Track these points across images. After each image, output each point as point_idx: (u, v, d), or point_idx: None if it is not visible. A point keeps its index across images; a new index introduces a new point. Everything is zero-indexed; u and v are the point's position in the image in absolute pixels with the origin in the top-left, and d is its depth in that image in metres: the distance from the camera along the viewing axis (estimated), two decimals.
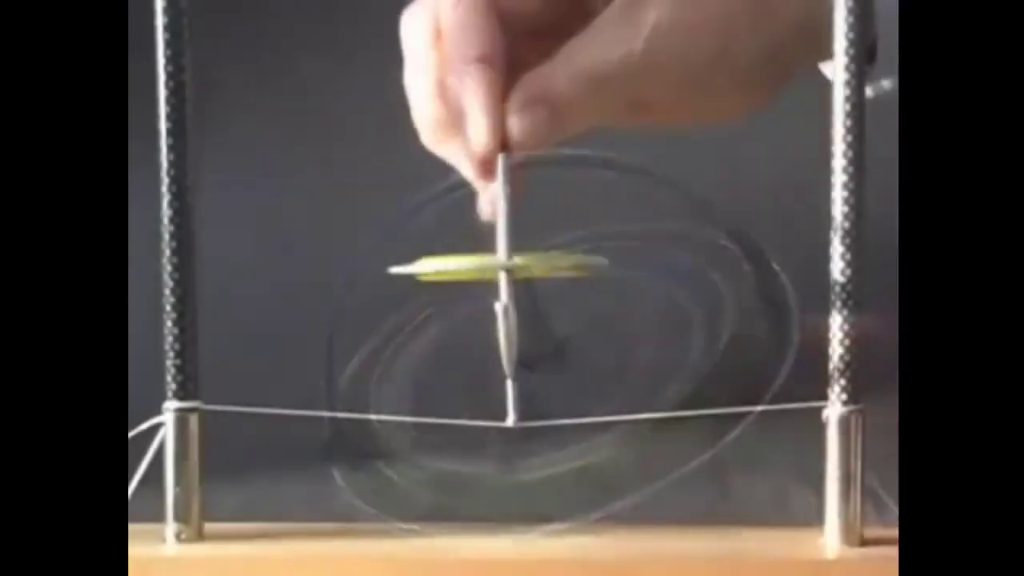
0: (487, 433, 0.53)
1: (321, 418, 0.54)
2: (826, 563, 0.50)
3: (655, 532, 0.52)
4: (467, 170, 0.55)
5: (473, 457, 0.55)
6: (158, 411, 0.51)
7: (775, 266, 0.55)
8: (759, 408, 0.54)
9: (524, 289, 0.52)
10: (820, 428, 0.51)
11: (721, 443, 0.54)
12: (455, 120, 0.54)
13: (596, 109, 0.55)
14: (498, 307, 0.51)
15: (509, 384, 0.52)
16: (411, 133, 0.57)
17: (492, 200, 0.53)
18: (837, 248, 0.50)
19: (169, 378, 0.51)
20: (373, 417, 0.55)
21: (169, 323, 0.51)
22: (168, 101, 0.50)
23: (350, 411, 0.55)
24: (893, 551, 0.49)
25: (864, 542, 0.50)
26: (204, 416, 0.51)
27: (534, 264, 0.52)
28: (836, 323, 0.50)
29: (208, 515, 0.52)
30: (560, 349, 0.59)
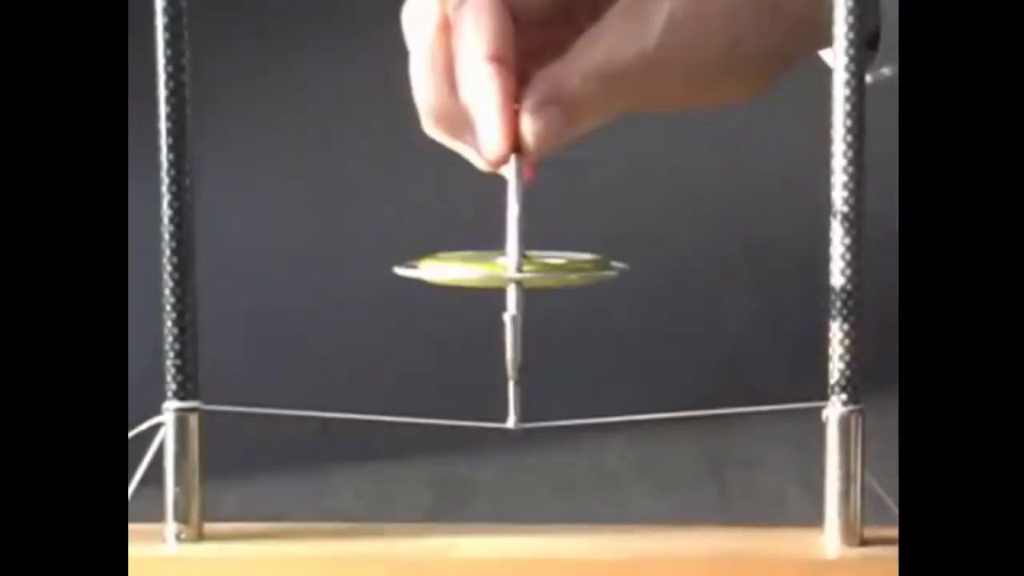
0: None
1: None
2: (826, 563, 0.50)
3: (655, 532, 0.52)
4: (476, 160, 0.54)
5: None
6: (158, 411, 0.51)
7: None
8: (759, 408, 0.54)
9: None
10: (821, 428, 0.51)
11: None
12: (467, 117, 0.53)
13: (610, 106, 0.55)
14: (507, 318, 0.51)
15: (511, 386, 0.52)
16: (411, 131, 0.57)
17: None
18: (837, 248, 0.50)
19: (169, 378, 0.51)
20: (373, 417, 0.55)
21: (169, 323, 0.51)
22: (168, 101, 0.50)
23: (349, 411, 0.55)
24: (893, 551, 0.49)
25: (864, 542, 0.50)
26: (204, 416, 0.51)
27: (544, 278, 0.52)
28: (836, 323, 0.50)
29: (208, 515, 0.52)
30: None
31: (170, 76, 0.50)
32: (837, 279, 0.50)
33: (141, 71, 0.51)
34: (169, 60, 0.50)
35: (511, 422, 0.52)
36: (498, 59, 0.53)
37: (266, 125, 2.30)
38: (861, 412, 0.50)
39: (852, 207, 0.49)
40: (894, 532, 0.49)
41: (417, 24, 0.55)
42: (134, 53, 0.52)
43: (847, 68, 0.49)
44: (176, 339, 0.51)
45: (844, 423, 0.50)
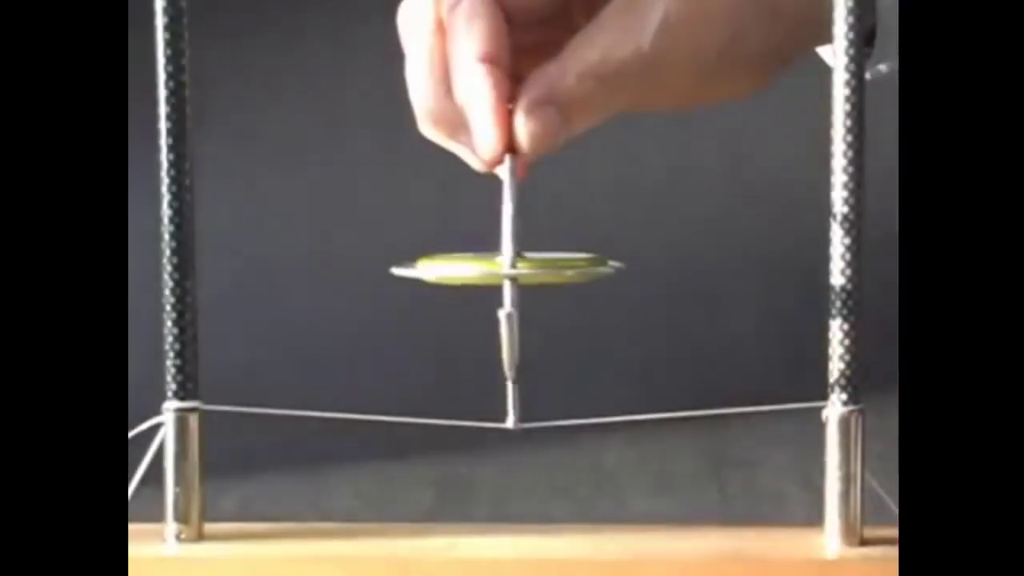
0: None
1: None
2: (826, 563, 0.50)
3: (655, 532, 0.52)
4: (472, 160, 0.55)
5: None
6: (158, 411, 0.51)
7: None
8: (759, 408, 0.54)
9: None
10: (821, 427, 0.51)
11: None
12: (462, 118, 0.54)
13: (605, 106, 0.55)
14: (502, 314, 0.51)
15: (509, 386, 0.52)
16: (411, 132, 0.57)
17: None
18: (837, 248, 0.50)
19: (169, 378, 0.51)
20: (373, 417, 0.55)
21: (169, 323, 0.51)
22: (168, 101, 0.50)
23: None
24: (893, 551, 0.49)
25: (864, 542, 0.50)
26: (204, 416, 0.51)
27: (539, 274, 0.52)
28: (836, 323, 0.50)
29: (208, 515, 0.52)
30: None
31: (170, 76, 0.50)
32: (837, 279, 0.50)
33: (141, 71, 0.51)
34: (169, 60, 0.50)
35: (510, 422, 0.52)
36: (492, 60, 0.53)
37: (266, 125, 2.30)
38: (861, 412, 0.50)
39: (852, 207, 0.49)
40: (894, 532, 0.49)
41: (412, 26, 0.55)
42: (134, 53, 0.52)
43: (847, 68, 0.49)
44: (176, 339, 0.51)
45: (844, 423, 0.50)
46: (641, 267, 0.60)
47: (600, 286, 0.57)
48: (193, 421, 0.51)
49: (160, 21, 0.50)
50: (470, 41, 0.53)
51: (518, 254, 0.51)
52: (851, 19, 0.49)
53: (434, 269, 0.53)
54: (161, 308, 0.51)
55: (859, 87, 0.49)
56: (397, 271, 0.53)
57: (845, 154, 0.49)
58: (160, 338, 0.51)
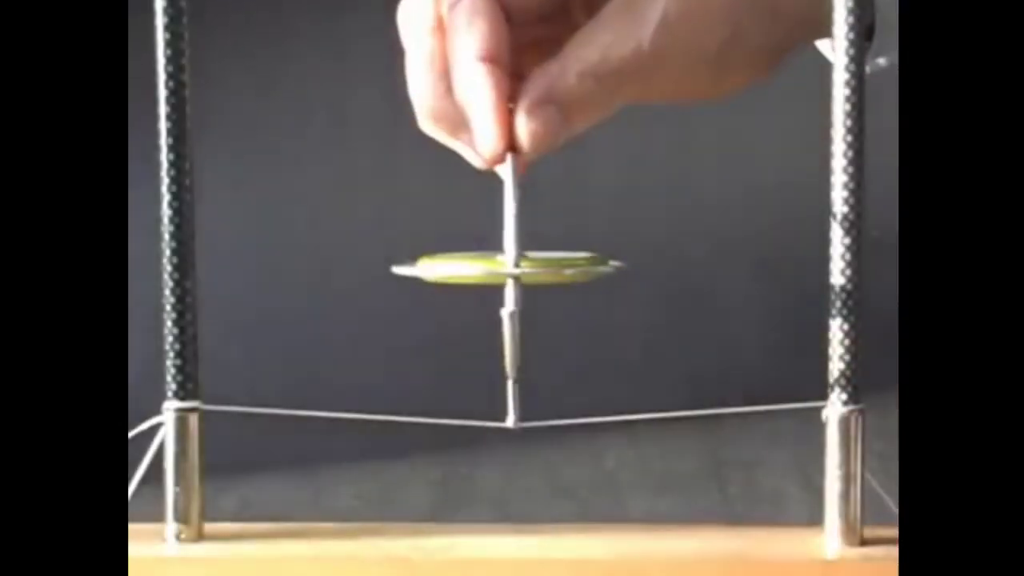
0: None
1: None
2: (826, 563, 0.50)
3: (655, 532, 0.52)
4: (472, 158, 0.55)
5: None
6: (158, 411, 0.51)
7: None
8: (759, 408, 0.54)
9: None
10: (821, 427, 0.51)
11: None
12: (463, 116, 0.54)
13: (606, 105, 0.55)
14: (504, 313, 0.51)
15: (510, 385, 0.52)
16: (411, 132, 0.57)
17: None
18: (837, 248, 0.50)
19: (169, 378, 0.51)
20: (373, 417, 0.55)
21: (169, 323, 0.51)
22: (168, 101, 0.50)
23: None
24: (893, 551, 0.49)
25: (864, 542, 0.50)
26: (204, 416, 0.51)
27: (542, 273, 0.52)
28: (836, 323, 0.50)
29: (208, 515, 0.52)
30: None
31: (170, 76, 0.50)
32: (837, 279, 0.50)
33: (141, 71, 0.51)
34: (169, 60, 0.50)
35: (510, 421, 0.52)
36: (492, 59, 0.53)
37: (266, 125, 2.30)
38: (861, 412, 0.50)
39: (852, 207, 0.49)
40: (894, 532, 0.49)
41: (412, 24, 0.55)
42: (134, 53, 0.52)
43: (847, 68, 0.49)
44: (176, 339, 0.51)
45: (844, 423, 0.50)
46: (641, 267, 0.60)
47: (600, 286, 0.57)
48: (193, 421, 0.51)
49: (160, 21, 0.50)
50: (470, 40, 0.53)
51: (519, 253, 0.52)
52: (851, 19, 0.49)
53: (435, 268, 0.53)
54: (161, 308, 0.51)
55: (859, 86, 0.49)
56: (398, 270, 0.53)
57: (845, 154, 0.49)
58: (160, 338, 0.51)
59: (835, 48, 0.49)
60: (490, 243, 0.53)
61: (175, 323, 0.51)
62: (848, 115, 0.49)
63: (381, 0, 0.62)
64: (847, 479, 0.50)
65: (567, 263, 0.53)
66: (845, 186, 0.49)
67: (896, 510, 0.47)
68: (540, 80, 0.53)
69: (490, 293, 0.52)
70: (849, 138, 0.49)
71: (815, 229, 0.56)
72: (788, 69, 0.61)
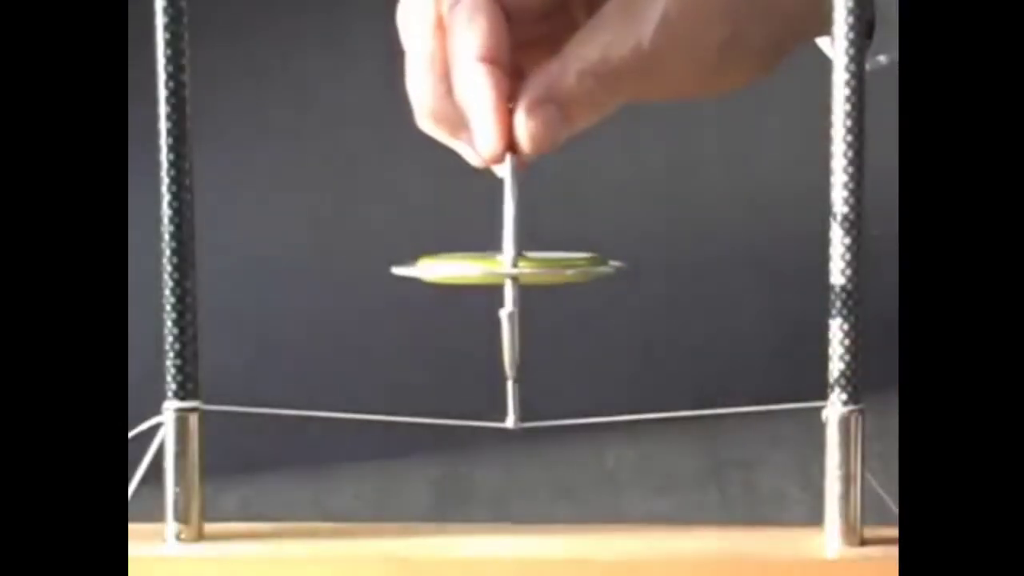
0: None
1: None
2: (826, 563, 0.50)
3: (655, 532, 0.52)
4: (471, 156, 0.55)
5: None
6: (158, 411, 0.51)
7: None
8: (759, 408, 0.54)
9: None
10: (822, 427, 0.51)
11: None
12: (463, 116, 0.53)
13: (606, 104, 0.54)
14: (503, 314, 0.51)
15: (510, 385, 0.52)
16: (411, 132, 0.57)
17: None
18: (837, 248, 0.50)
19: (169, 378, 0.51)
20: (373, 417, 0.55)
21: (169, 323, 0.51)
22: (168, 101, 0.50)
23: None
24: (893, 551, 0.49)
25: (864, 542, 0.50)
26: (204, 416, 0.51)
27: (541, 273, 0.52)
28: (836, 323, 0.50)
29: (208, 515, 0.52)
30: None
31: (170, 76, 0.50)
32: (837, 279, 0.50)
33: (141, 71, 0.51)
34: (169, 60, 0.50)
35: (510, 421, 0.52)
36: (492, 59, 0.53)
37: (266, 125, 2.30)
38: (861, 412, 0.50)
39: (852, 207, 0.49)
40: (894, 532, 0.49)
41: (412, 24, 0.55)
42: (134, 53, 0.52)
43: (847, 68, 0.49)
44: (176, 339, 0.51)
45: (844, 423, 0.50)
46: (641, 267, 0.60)
47: (600, 286, 0.57)
48: (193, 421, 0.51)
49: (160, 21, 0.50)
50: (470, 40, 0.53)
51: (518, 253, 0.52)
52: (851, 17, 0.49)
53: (434, 268, 0.53)
54: (161, 308, 0.51)
55: (859, 85, 0.49)
56: (397, 271, 0.53)
57: (845, 154, 0.49)
58: (160, 338, 0.51)
59: (835, 46, 0.49)
60: (491, 243, 0.53)
61: (175, 323, 0.51)
62: (848, 115, 0.49)
63: (382, 0, 0.62)
64: (847, 479, 0.50)
65: (567, 263, 0.53)
66: (845, 186, 0.49)
67: (896, 510, 0.47)
68: (540, 79, 0.53)
69: (491, 293, 0.52)
70: (849, 138, 0.49)
71: (816, 229, 0.56)
72: (789, 69, 0.61)
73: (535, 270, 0.52)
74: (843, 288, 0.50)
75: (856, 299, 0.50)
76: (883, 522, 0.50)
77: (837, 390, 0.50)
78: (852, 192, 0.49)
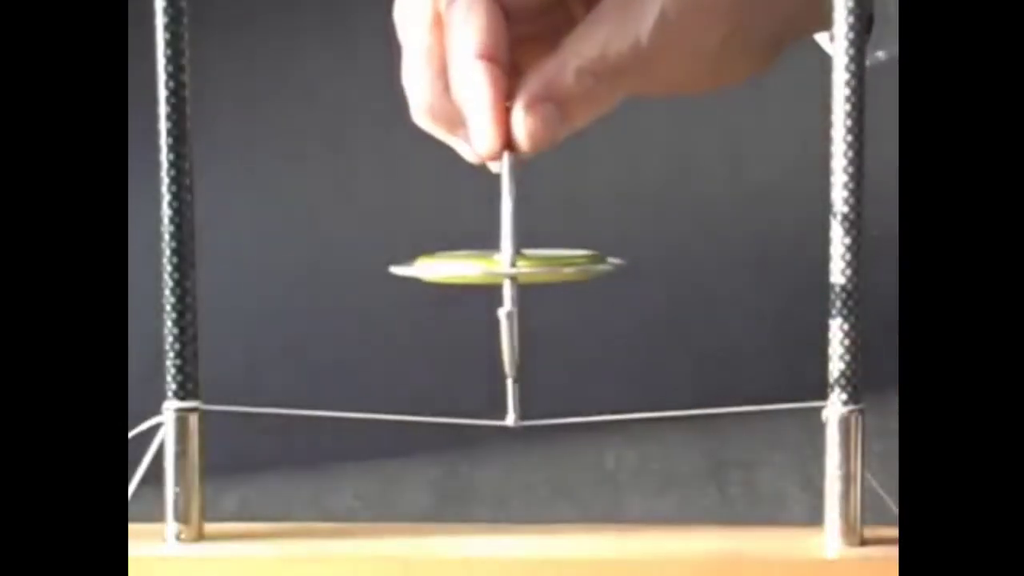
0: None
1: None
2: (826, 563, 0.50)
3: (655, 532, 0.52)
4: (466, 152, 0.54)
5: None
6: (158, 411, 0.51)
7: None
8: (759, 408, 0.54)
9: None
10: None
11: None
12: (460, 115, 0.53)
13: (604, 101, 0.54)
14: (502, 313, 0.51)
15: (509, 384, 0.52)
16: (411, 132, 0.57)
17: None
18: (837, 248, 0.50)
19: (169, 378, 0.51)
20: (373, 417, 0.55)
21: (169, 323, 0.51)
22: (168, 101, 0.50)
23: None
24: (893, 551, 0.49)
25: (864, 542, 0.50)
26: (204, 416, 0.51)
27: (540, 272, 0.52)
28: (836, 323, 0.50)
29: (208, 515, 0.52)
30: None
31: (170, 76, 0.50)
32: (837, 279, 0.50)
33: (141, 71, 0.51)
34: (169, 60, 0.50)
35: (510, 420, 0.52)
36: (489, 57, 0.53)
37: (266, 125, 2.30)
38: (861, 412, 0.50)
39: (852, 207, 0.49)
40: (894, 532, 0.49)
41: (409, 20, 0.55)
42: (134, 53, 0.52)
43: (847, 68, 0.49)
44: (176, 339, 0.51)
45: (844, 423, 0.50)
46: (641, 267, 0.60)
47: (600, 286, 0.57)
48: (193, 421, 0.51)
49: (160, 21, 0.50)
50: (468, 37, 0.53)
51: (517, 252, 0.51)
52: (851, 18, 0.49)
53: (433, 268, 0.53)
54: (161, 308, 0.51)
55: (859, 83, 0.49)
56: (396, 270, 0.53)
57: (845, 154, 0.49)
58: (160, 338, 0.51)
59: (835, 44, 0.49)
60: (490, 242, 0.53)
61: (175, 323, 0.51)
62: (848, 114, 0.49)
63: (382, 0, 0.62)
64: (847, 479, 0.50)
65: (566, 261, 0.53)
66: (845, 186, 0.49)
67: (896, 510, 0.47)
68: (538, 77, 0.53)
69: (490, 291, 0.52)
70: (849, 137, 0.49)
71: (816, 229, 0.56)
72: (789, 67, 0.61)
73: (534, 269, 0.51)
74: (843, 288, 0.50)
75: (856, 299, 0.50)
76: (883, 522, 0.50)
77: (837, 390, 0.50)
78: (852, 192, 0.49)
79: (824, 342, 0.50)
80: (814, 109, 0.59)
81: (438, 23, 0.54)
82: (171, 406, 0.51)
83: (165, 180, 0.50)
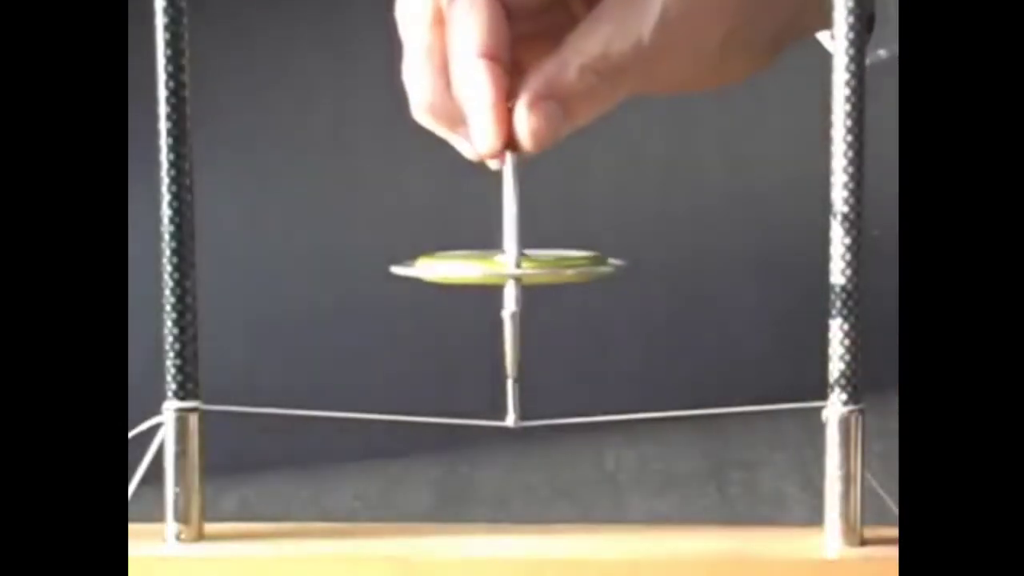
0: None
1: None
2: (826, 563, 0.50)
3: (655, 532, 0.52)
4: (466, 150, 0.54)
5: None
6: (158, 411, 0.51)
7: None
8: (759, 408, 0.54)
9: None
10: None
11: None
12: (461, 113, 0.53)
13: (607, 99, 0.54)
14: (505, 315, 0.51)
15: (510, 384, 0.52)
16: (412, 132, 0.57)
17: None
18: (837, 248, 0.50)
19: (169, 378, 0.51)
20: (373, 417, 0.55)
21: (169, 323, 0.51)
22: (168, 101, 0.50)
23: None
24: (893, 551, 0.49)
25: (864, 542, 0.50)
26: (204, 416, 0.51)
27: (543, 273, 0.52)
28: (836, 323, 0.50)
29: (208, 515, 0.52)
30: None
31: (170, 76, 0.50)
32: (837, 279, 0.50)
33: (141, 71, 0.51)
34: (169, 60, 0.50)
35: (511, 420, 0.52)
36: (490, 56, 0.53)
37: (266, 125, 2.30)
38: (861, 412, 0.50)
39: (852, 207, 0.49)
40: (894, 532, 0.49)
41: (411, 17, 0.55)
42: (134, 53, 0.52)
43: (847, 68, 0.49)
44: (176, 339, 0.51)
45: (844, 423, 0.50)
46: (641, 267, 0.60)
47: (600, 286, 0.57)
48: (193, 421, 0.51)
49: (160, 21, 0.50)
50: (469, 35, 0.53)
51: (520, 253, 0.51)
52: (851, 18, 0.49)
53: (434, 268, 0.53)
54: (161, 308, 0.51)
55: (859, 86, 0.49)
56: (397, 270, 0.53)
57: (845, 154, 0.49)
58: (160, 338, 0.51)
59: (835, 43, 0.49)
60: (490, 242, 0.53)
61: (175, 323, 0.51)
62: (848, 114, 0.49)
63: (383, 0, 0.62)
64: (847, 479, 0.50)
65: (568, 263, 0.53)
66: (845, 186, 0.49)
67: (896, 510, 0.47)
68: (540, 75, 0.53)
69: (490, 292, 0.52)
70: (849, 137, 0.49)
71: (816, 229, 0.56)
72: (790, 68, 0.61)
73: (536, 271, 0.51)
74: (843, 288, 0.50)
75: (856, 299, 0.50)
76: (883, 522, 0.50)
77: (837, 390, 0.50)
78: (852, 192, 0.49)
79: (824, 342, 0.50)
80: (814, 109, 0.59)
81: (439, 21, 0.54)
82: (171, 406, 0.51)
83: (165, 180, 0.50)
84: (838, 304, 0.50)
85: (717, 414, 0.54)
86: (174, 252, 0.50)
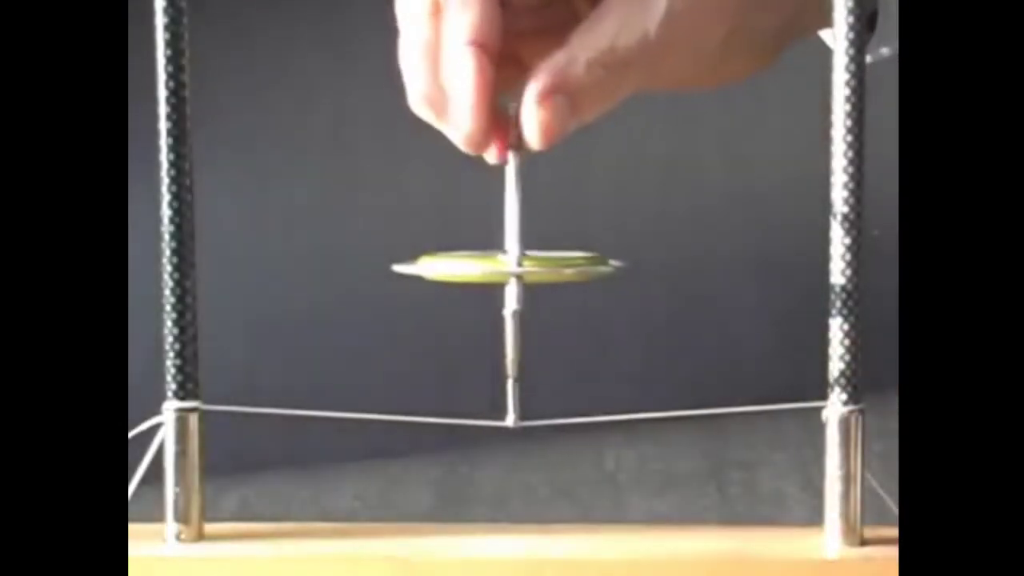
0: None
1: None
2: (826, 563, 0.50)
3: (655, 532, 0.52)
4: (458, 141, 0.54)
5: None
6: (158, 411, 0.51)
7: None
8: (759, 408, 0.54)
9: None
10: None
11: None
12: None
13: (614, 94, 0.54)
14: (507, 313, 0.51)
15: (510, 384, 0.52)
16: (412, 131, 0.57)
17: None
18: (837, 248, 0.50)
19: (169, 378, 0.51)
20: (373, 417, 0.55)
21: (169, 323, 0.51)
22: (168, 101, 0.50)
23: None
24: (893, 551, 0.49)
25: (864, 542, 0.50)
26: (204, 416, 0.51)
27: (543, 273, 0.52)
28: (836, 323, 0.50)
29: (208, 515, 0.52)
30: None
31: (170, 76, 0.50)
32: (837, 279, 0.50)
33: (141, 71, 0.51)
34: (169, 60, 0.50)
35: (510, 420, 0.52)
36: (480, 43, 0.53)
37: (266, 125, 2.30)
38: (861, 412, 0.50)
39: (852, 207, 0.49)
40: (894, 532, 0.49)
41: (411, 9, 0.55)
42: (134, 53, 0.52)
43: (847, 68, 0.49)
44: (176, 339, 0.51)
45: (844, 423, 0.50)
46: (642, 267, 0.60)
47: (600, 286, 0.57)
48: (193, 421, 0.51)
49: (160, 21, 0.50)
50: (461, 23, 0.53)
51: (522, 252, 0.52)
52: (851, 18, 0.49)
53: (436, 267, 0.53)
54: (161, 308, 0.51)
55: (859, 86, 0.49)
56: (398, 269, 0.53)
57: (845, 153, 0.49)
58: (160, 338, 0.51)
59: (835, 43, 0.49)
60: (490, 243, 0.53)
61: (175, 323, 0.51)
62: (848, 114, 0.49)
63: (383, 1, 0.62)
64: (847, 479, 0.50)
65: (568, 262, 0.53)
66: (845, 185, 0.49)
67: (896, 510, 0.47)
68: (547, 70, 0.53)
69: (490, 292, 0.52)
70: (850, 137, 0.49)
71: (816, 229, 0.56)
72: (790, 68, 0.61)
73: (537, 269, 0.52)
74: (843, 288, 0.50)
75: (856, 299, 0.50)
76: (883, 522, 0.50)
77: (837, 390, 0.50)
78: (852, 192, 0.49)
79: (824, 342, 0.50)
80: (814, 109, 0.59)
81: (437, 12, 0.55)
82: (171, 406, 0.51)
83: (165, 180, 0.50)
84: (838, 304, 0.50)
85: (717, 414, 0.54)
86: (174, 252, 0.50)
